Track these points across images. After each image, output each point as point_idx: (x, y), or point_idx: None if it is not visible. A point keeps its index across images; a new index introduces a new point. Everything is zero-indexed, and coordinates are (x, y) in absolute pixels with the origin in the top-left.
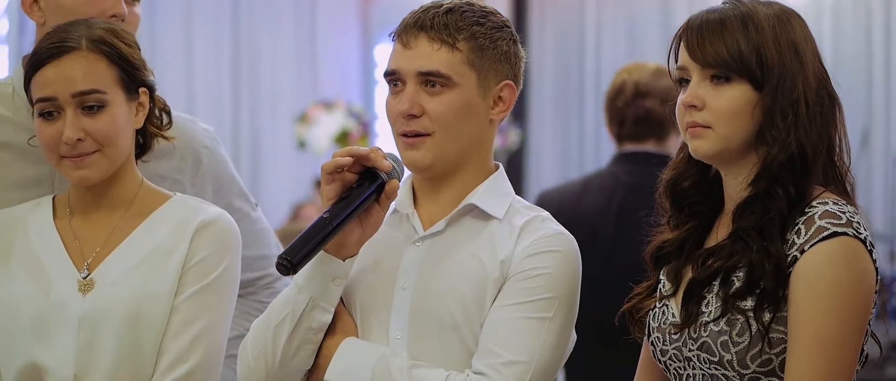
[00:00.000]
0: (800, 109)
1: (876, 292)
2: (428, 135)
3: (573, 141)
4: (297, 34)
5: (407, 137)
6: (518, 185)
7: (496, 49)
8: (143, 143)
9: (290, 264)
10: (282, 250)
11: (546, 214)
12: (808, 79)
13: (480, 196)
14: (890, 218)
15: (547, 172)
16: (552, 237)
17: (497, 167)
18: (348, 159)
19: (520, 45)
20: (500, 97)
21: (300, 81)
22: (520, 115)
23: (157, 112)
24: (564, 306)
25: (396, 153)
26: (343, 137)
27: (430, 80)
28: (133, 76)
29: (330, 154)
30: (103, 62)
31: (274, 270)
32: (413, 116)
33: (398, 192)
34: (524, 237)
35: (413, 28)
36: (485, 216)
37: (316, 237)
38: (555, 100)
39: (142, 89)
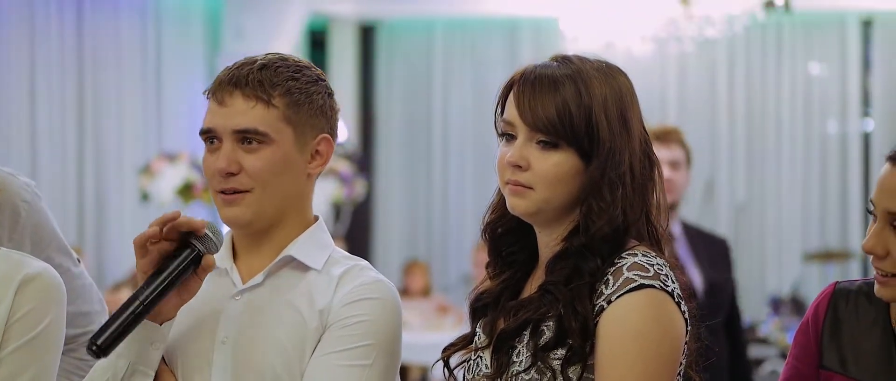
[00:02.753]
0: (626, 179)
1: (685, 343)
2: (246, 191)
3: (420, 193)
4: (143, 85)
5: (225, 194)
6: (364, 237)
7: (312, 104)
8: None
9: (98, 348)
10: (104, 306)
11: (365, 263)
12: (634, 147)
13: (299, 248)
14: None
15: (394, 223)
16: (371, 285)
17: (316, 219)
18: (156, 229)
19: (334, 98)
20: (317, 151)
21: (145, 132)
22: (366, 166)
23: None
24: (384, 352)
25: (216, 213)
26: (186, 190)
27: (247, 137)
28: None
29: (173, 206)
30: None
31: (96, 326)
32: (231, 174)
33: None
34: (342, 286)
35: (227, 85)
36: (303, 268)
37: (126, 319)
38: (402, 151)
39: None
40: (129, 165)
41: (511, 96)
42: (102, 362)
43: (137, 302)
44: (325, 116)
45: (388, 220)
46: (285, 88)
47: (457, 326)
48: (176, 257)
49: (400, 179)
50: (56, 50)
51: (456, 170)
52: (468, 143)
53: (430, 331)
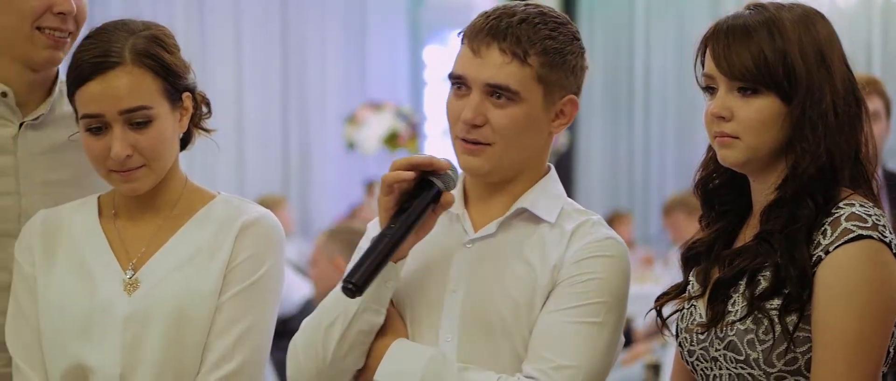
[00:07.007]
0: (829, 118)
1: None
2: (488, 144)
3: (622, 143)
4: (346, 35)
5: (466, 143)
6: (566, 187)
7: (565, 64)
8: (185, 137)
9: (355, 286)
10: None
11: (597, 217)
12: (835, 86)
13: (532, 200)
14: None
15: (595, 174)
16: (602, 242)
17: (549, 169)
18: (411, 173)
19: (585, 57)
20: (562, 111)
21: (349, 81)
22: None
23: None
24: (614, 310)
25: (450, 157)
26: (392, 139)
27: (498, 92)
28: (177, 85)
29: (379, 155)
30: (148, 76)
31: None
32: (476, 126)
33: None
34: (574, 242)
35: (485, 35)
36: (536, 220)
37: (379, 256)
38: (603, 102)
39: (185, 94)
40: (333, 115)
41: (708, 50)
42: (333, 297)
43: (388, 239)
44: (575, 76)
45: (590, 171)
46: (542, 47)
47: (661, 278)
48: (418, 195)
49: (601, 130)
50: (260, 1)
51: (657, 121)
52: (670, 94)
53: (635, 283)
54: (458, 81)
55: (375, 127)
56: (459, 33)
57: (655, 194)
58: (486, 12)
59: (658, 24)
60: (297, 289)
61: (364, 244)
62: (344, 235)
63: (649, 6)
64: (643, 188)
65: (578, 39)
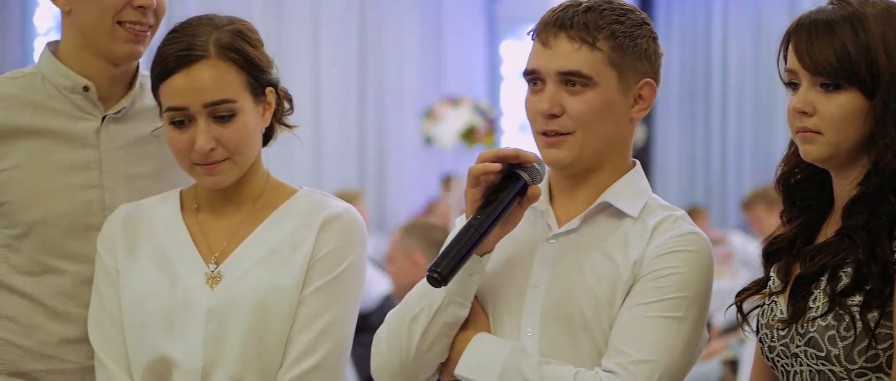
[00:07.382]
0: None
1: None
2: (568, 134)
3: (699, 138)
4: (422, 31)
5: (547, 136)
6: None
7: (636, 47)
8: (267, 132)
9: (440, 275)
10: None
11: (681, 212)
12: None
13: (615, 194)
14: None
15: (672, 169)
16: (684, 237)
17: (634, 164)
18: (497, 165)
19: (659, 43)
20: (640, 95)
21: (426, 77)
22: None
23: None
24: (696, 306)
25: (536, 152)
26: (469, 134)
27: (571, 79)
28: (260, 79)
29: (456, 150)
30: (232, 70)
31: None
32: (553, 116)
33: None
34: (656, 237)
35: (552, 27)
36: (619, 215)
37: (464, 247)
38: (680, 97)
39: (268, 89)
40: (410, 110)
41: (791, 45)
42: (418, 289)
43: (473, 230)
44: (649, 61)
45: (667, 166)
46: (610, 32)
47: (738, 273)
48: (504, 188)
49: (678, 125)
50: None
51: (734, 116)
52: (747, 88)
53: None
54: (532, 76)
55: (453, 122)
56: (529, 32)
57: (732, 190)
58: (553, 7)
59: (735, 17)
60: (377, 284)
61: (451, 239)
62: (421, 230)
63: (727, 1)
64: (720, 184)
65: (648, 24)
